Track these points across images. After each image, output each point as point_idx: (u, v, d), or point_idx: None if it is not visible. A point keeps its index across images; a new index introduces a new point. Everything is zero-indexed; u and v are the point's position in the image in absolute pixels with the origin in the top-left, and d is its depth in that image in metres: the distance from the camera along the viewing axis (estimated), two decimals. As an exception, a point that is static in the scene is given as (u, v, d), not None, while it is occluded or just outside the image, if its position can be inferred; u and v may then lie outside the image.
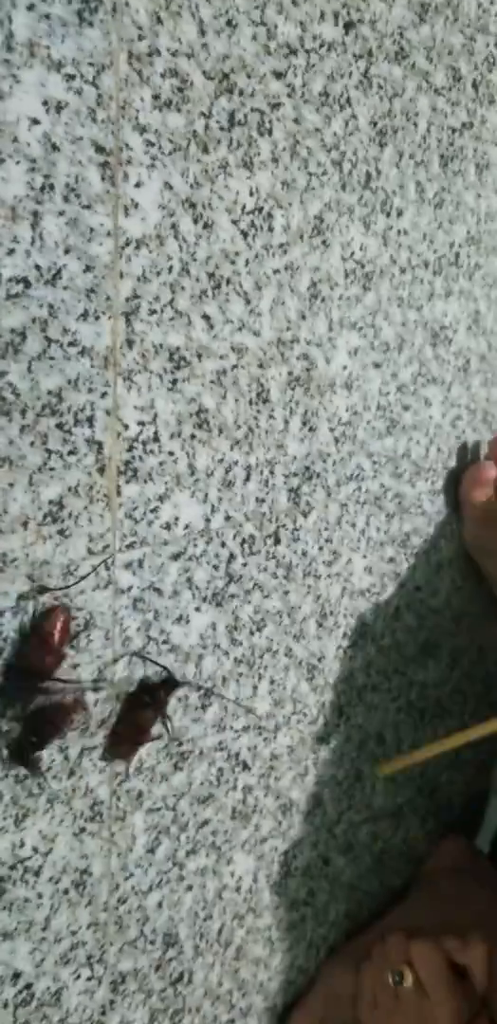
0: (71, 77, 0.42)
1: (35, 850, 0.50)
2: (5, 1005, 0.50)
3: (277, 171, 0.53)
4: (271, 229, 0.53)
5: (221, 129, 0.49)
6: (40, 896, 0.50)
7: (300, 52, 0.52)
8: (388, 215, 0.61)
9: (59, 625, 0.46)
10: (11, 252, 0.41)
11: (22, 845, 0.49)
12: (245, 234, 0.52)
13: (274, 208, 0.53)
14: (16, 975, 0.50)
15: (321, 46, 0.53)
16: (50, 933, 0.51)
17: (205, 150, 0.49)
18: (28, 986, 0.51)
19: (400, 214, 0.62)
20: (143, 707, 0.52)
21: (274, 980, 0.70)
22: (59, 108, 0.42)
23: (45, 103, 0.41)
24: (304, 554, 0.62)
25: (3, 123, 0.40)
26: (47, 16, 0.41)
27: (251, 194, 0.52)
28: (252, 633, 0.59)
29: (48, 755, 0.49)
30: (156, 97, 0.46)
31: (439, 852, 0.84)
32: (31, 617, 0.46)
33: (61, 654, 0.47)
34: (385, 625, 0.71)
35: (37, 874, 0.50)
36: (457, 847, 0.84)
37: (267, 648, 0.61)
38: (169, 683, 0.53)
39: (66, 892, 0.52)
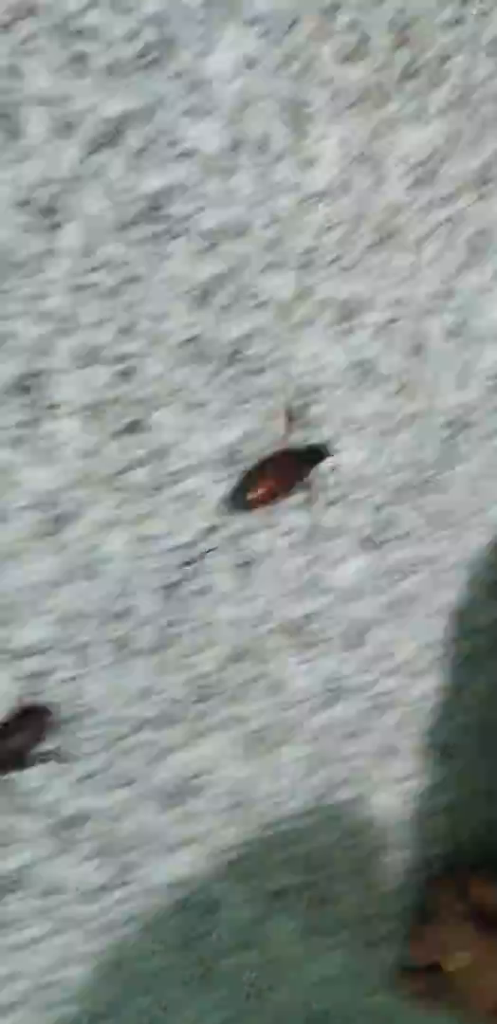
0: (264, 33, 0.43)
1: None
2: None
3: (446, 122, 0.53)
4: (437, 181, 0.54)
5: (397, 82, 0.50)
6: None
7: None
8: None
9: None
10: (203, 209, 0.43)
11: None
12: (413, 186, 0.52)
13: (442, 160, 0.53)
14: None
15: (495, -8, 0.53)
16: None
17: (381, 103, 0.49)
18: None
19: None
20: None
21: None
22: (252, 64, 0.43)
23: (241, 59, 0.43)
24: (454, 502, 0.63)
25: (203, 79, 0.42)
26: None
27: (421, 146, 0.52)
28: (404, 578, 0.61)
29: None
30: (339, 51, 0.47)
31: None
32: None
33: None
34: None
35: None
36: None
37: (417, 593, 0.62)
38: None
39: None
